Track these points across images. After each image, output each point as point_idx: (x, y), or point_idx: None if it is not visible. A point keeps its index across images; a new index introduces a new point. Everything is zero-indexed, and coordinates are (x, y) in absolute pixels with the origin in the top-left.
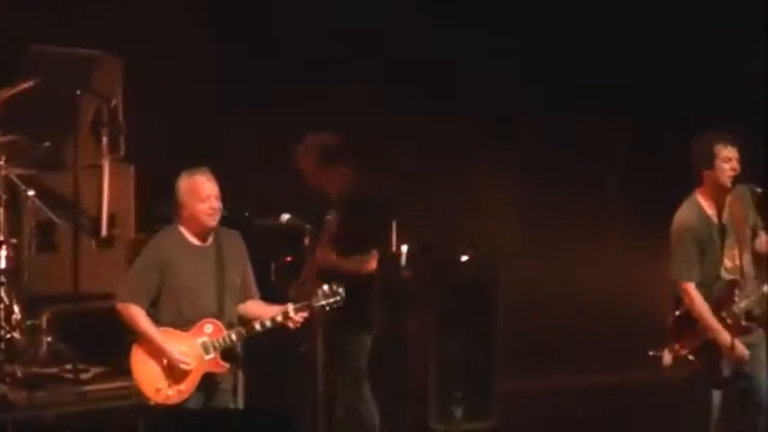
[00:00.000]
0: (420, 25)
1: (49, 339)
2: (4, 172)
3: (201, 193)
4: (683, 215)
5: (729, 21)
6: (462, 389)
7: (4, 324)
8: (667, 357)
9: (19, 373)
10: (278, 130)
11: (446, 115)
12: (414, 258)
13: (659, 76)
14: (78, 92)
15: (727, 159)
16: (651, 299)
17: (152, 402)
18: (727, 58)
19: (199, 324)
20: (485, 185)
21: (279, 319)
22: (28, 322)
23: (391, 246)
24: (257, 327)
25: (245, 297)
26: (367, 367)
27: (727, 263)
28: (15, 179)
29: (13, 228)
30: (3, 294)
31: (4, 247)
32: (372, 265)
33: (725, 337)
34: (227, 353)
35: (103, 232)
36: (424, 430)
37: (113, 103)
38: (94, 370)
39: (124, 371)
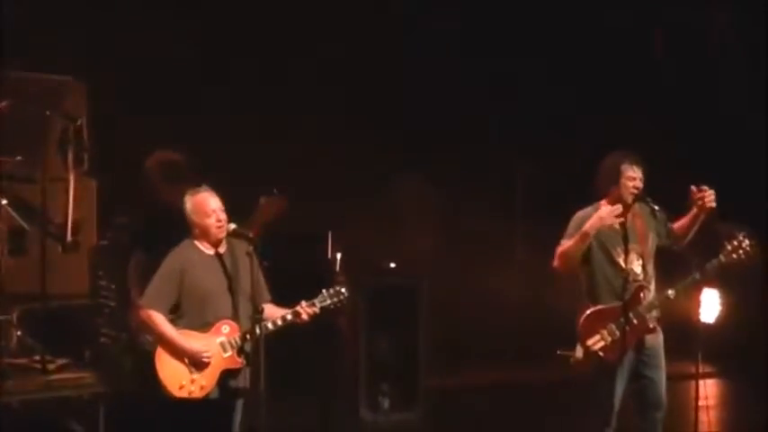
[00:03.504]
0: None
1: (19, 334)
2: None
3: (207, 208)
4: (579, 212)
5: None
6: (389, 382)
7: None
8: (579, 352)
9: None
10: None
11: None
12: (346, 265)
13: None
14: (47, 112)
15: (632, 179)
16: (558, 302)
17: (176, 398)
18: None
19: (216, 325)
20: (403, 203)
21: (289, 317)
22: (0, 318)
23: (327, 253)
24: (270, 326)
25: (258, 301)
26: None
27: (627, 266)
28: None
29: None
30: None
31: None
32: None
33: (594, 220)
34: (242, 351)
35: (68, 238)
36: (355, 419)
37: (78, 122)
38: (59, 362)
39: (85, 363)
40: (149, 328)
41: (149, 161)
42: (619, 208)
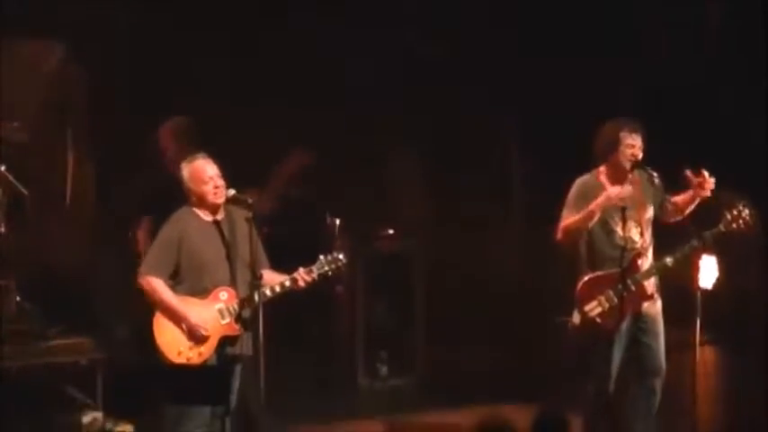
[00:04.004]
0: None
1: (18, 300)
2: None
3: (204, 175)
4: (578, 180)
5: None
6: (387, 348)
7: None
8: (576, 318)
9: None
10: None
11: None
12: (344, 231)
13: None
14: (47, 78)
15: (630, 146)
16: (553, 269)
17: (174, 364)
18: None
19: (215, 292)
20: (399, 171)
21: (287, 284)
22: None
23: (326, 219)
24: (268, 292)
25: (257, 267)
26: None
27: (625, 233)
28: None
29: None
30: None
31: None
32: None
33: (600, 199)
34: (239, 317)
35: (68, 200)
36: (353, 385)
37: (78, 89)
38: (58, 327)
39: (84, 329)
40: (149, 294)
41: (162, 126)
42: (628, 189)
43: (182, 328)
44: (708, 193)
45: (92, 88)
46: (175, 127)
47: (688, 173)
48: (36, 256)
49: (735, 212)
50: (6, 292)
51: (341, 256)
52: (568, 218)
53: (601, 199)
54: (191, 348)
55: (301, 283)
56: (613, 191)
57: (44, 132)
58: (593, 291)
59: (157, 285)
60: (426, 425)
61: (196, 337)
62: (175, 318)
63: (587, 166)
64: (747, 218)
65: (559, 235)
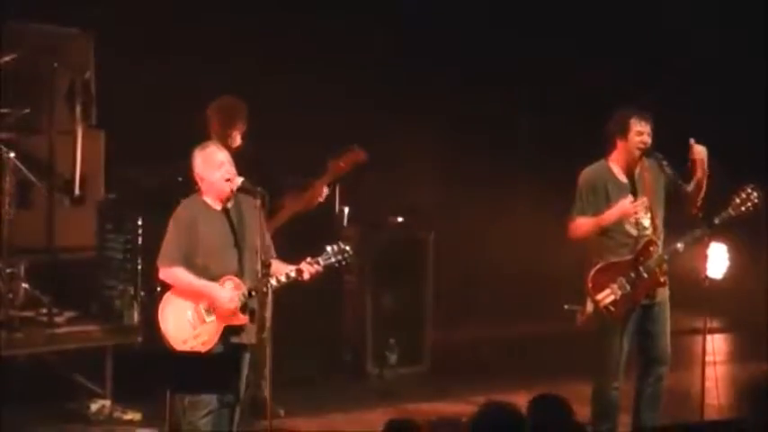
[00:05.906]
0: None
1: (26, 286)
2: None
3: (215, 162)
4: (586, 170)
5: None
6: (396, 337)
7: None
8: (589, 307)
9: None
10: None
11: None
12: (354, 219)
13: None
14: (55, 64)
15: (640, 133)
16: (562, 257)
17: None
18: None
19: (220, 281)
20: (411, 158)
21: (293, 274)
22: (7, 271)
23: (335, 207)
24: (273, 282)
25: (265, 256)
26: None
27: (637, 220)
28: None
29: None
30: None
31: None
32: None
33: (615, 210)
34: (245, 307)
35: (76, 191)
36: (362, 374)
37: (86, 75)
38: (66, 314)
39: (92, 316)
40: (173, 284)
41: (210, 106)
42: (644, 202)
43: (187, 318)
44: (701, 156)
45: (103, 74)
46: (221, 107)
47: (692, 141)
48: (45, 242)
49: (743, 195)
50: (14, 280)
51: (347, 248)
52: (580, 212)
53: (616, 212)
54: (195, 337)
55: (306, 275)
56: (627, 203)
57: (54, 118)
58: (605, 279)
59: (179, 273)
60: (435, 413)
61: (202, 326)
62: (208, 299)
63: (599, 151)
64: (756, 200)
65: (571, 235)
